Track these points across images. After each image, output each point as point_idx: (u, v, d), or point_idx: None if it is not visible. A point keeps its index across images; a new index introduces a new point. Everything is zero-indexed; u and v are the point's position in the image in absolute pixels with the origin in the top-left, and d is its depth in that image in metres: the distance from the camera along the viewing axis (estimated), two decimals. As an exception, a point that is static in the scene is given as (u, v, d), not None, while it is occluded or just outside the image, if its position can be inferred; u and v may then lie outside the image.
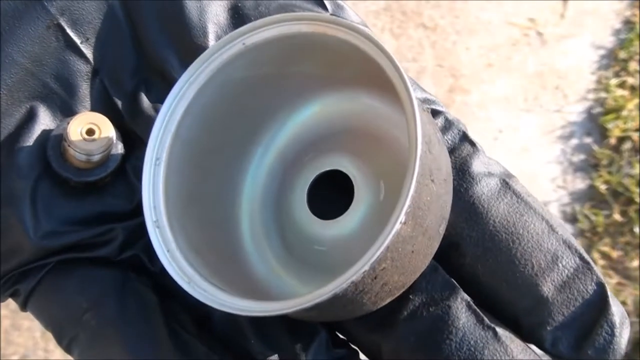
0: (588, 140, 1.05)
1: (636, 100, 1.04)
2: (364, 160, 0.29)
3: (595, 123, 1.06)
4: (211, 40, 0.31)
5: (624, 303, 0.95)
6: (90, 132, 0.29)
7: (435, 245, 0.27)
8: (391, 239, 0.23)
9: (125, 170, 0.30)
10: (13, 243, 0.29)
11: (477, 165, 0.29)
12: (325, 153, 0.30)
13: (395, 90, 0.25)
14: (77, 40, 0.31)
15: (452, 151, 0.29)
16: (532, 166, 1.03)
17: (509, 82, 1.08)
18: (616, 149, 1.03)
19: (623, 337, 0.27)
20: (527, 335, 0.28)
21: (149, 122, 0.29)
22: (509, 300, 0.28)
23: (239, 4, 0.32)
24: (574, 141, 1.05)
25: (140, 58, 0.31)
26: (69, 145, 0.29)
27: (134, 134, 0.30)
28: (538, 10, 1.12)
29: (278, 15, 0.28)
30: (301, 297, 0.24)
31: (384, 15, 1.12)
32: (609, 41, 1.11)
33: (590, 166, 1.03)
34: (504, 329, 0.27)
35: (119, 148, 0.30)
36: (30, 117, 0.30)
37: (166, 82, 0.30)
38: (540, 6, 1.12)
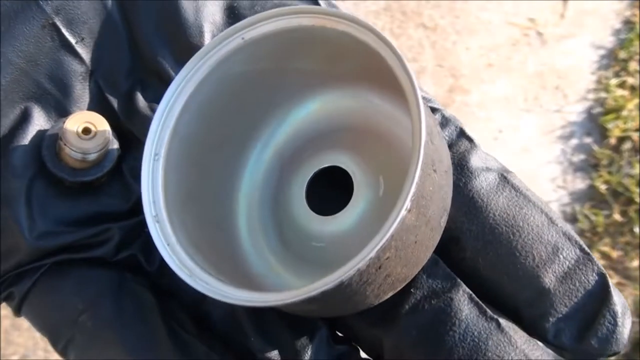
0: (588, 140, 1.05)
1: (636, 100, 1.04)
2: (363, 156, 0.29)
3: (595, 123, 1.06)
4: (207, 40, 0.31)
5: (624, 303, 0.95)
6: (86, 130, 0.29)
7: (437, 238, 0.27)
8: (397, 227, 0.23)
9: (121, 170, 0.30)
10: (10, 244, 0.29)
11: (475, 160, 0.29)
12: (324, 149, 0.30)
13: (397, 80, 0.25)
14: (72, 40, 0.30)
15: (450, 147, 0.30)
16: (532, 166, 1.03)
17: (509, 82, 1.08)
18: (616, 149, 1.03)
19: (626, 327, 0.27)
20: (529, 327, 0.28)
21: (145, 121, 0.29)
22: (511, 292, 0.28)
23: (235, 4, 0.31)
24: (574, 141, 1.05)
25: (136, 58, 0.31)
26: (64, 144, 0.29)
27: (130, 133, 0.30)
28: (538, 10, 1.12)
29: (277, 9, 0.28)
30: (307, 286, 0.23)
31: (384, 15, 1.12)
32: (609, 41, 1.11)
33: (590, 166, 1.03)
34: (506, 320, 0.27)
35: (115, 147, 0.30)
36: (24, 118, 0.30)
37: (162, 82, 0.30)
38: (540, 6, 1.12)
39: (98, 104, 0.30)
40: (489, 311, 0.27)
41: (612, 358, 0.28)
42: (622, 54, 1.08)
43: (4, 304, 0.31)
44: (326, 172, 0.30)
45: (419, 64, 1.09)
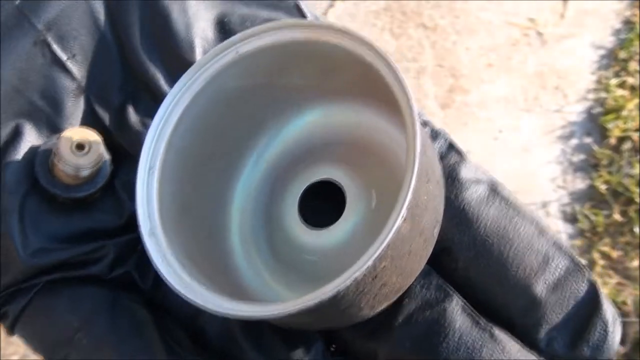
0: (588, 140, 1.05)
1: (636, 100, 1.04)
2: (356, 170, 0.30)
3: (595, 123, 1.06)
4: (198, 55, 0.31)
5: (624, 303, 0.95)
6: (80, 146, 0.29)
7: (430, 249, 0.27)
8: (393, 235, 0.23)
9: (114, 186, 0.30)
10: (4, 261, 0.29)
11: (465, 172, 0.30)
12: (317, 163, 0.30)
13: (392, 92, 0.25)
14: (64, 57, 0.30)
15: (440, 159, 0.30)
16: (532, 166, 1.03)
17: (509, 82, 1.08)
18: (616, 149, 1.03)
19: (616, 335, 0.28)
20: (521, 336, 0.28)
21: (137, 136, 0.29)
22: (503, 302, 0.28)
23: (226, 19, 0.32)
24: (574, 141, 1.05)
25: (127, 73, 0.31)
26: (58, 161, 0.29)
27: (122, 148, 0.30)
28: (538, 10, 1.12)
29: (271, 23, 0.28)
30: (302, 297, 0.23)
31: (384, 15, 1.12)
32: (609, 41, 1.11)
33: (590, 166, 1.03)
34: (500, 329, 0.27)
35: (108, 163, 0.30)
36: (16, 135, 0.30)
37: (153, 97, 0.30)
38: (540, 6, 1.12)
39: (90, 120, 0.31)
40: (482, 321, 0.27)
41: (621, 327, 0.28)
42: (622, 54, 1.08)
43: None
44: (319, 185, 0.30)
45: (419, 64, 1.09)
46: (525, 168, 1.02)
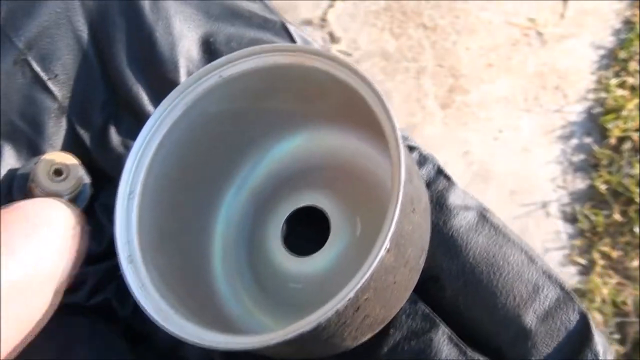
0: (588, 140, 1.05)
1: (636, 100, 1.04)
2: (340, 196, 0.29)
3: (595, 123, 1.05)
4: (182, 75, 0.30)
5: (624, 303, 0.95)
6: (58, 172, 0.28)
7: (416, 278, 0.26)
8: (376, 267, 0.22)
9: (94, 210, 0.29)
10: None
11: (454, 199, 0.29)
12: (301, 189, 0.30)
13: (376, 119, 0.25)
14: (45, 77, 0.30)
15: (428, 185, 0.29)
16: (532, 166, 1.03)
17: (509, 82, 1.08)
18: (616, 149, 1.03)
19: None
20: None
21: (118, 159, 0.29)
22: (492, 332, 0.27)
23: (211, 39, 0.31)
24: (574, 141, 1.05)
25: (110, 92, 0.30)
26: (35, 187, 0.28)
27: (102, 171, 0.30)
28: (538, 10, 1.12)
29: (255, 47, 0.27)
30: (284, 328, 0.23)
31: (384, 15, 1.12)
32: (609, 41, 1.10)
33: (590, 166, 1.03)
34: None
35: (88, 187, 0.29)
36: None
37: (136, 117, 0.30)
38: (540, 6, 1.12)
39: (71, 141, 0.30)
40: (468, 351, 0.27)
41: (612, 358, 0.28)
42: (622, 54, 1.08)
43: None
44: (303, 211, 0.30)
45: (419, 64, 1.09)
46: (525, 168, 1.02)
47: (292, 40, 0.31)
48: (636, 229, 0.98)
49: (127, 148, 0.28)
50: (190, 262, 0.29)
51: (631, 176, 1.00)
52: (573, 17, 1.12)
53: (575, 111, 1.06)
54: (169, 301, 0.26)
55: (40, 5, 0.30)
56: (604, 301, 0.95)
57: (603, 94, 1.06)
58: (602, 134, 1.04)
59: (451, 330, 0.27)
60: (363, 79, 0.26)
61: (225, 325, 0.28)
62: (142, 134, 0.28)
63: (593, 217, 0.99)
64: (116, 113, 0.30)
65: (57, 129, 0.30)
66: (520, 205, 1.01)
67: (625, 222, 0.99)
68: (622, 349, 0.92)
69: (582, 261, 0.98)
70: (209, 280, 0.29)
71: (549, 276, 0.28)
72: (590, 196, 1.02)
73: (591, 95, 1.07)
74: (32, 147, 0.30)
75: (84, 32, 0.31)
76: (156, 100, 0.29)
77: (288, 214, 0.30)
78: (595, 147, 1.03)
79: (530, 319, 0.27)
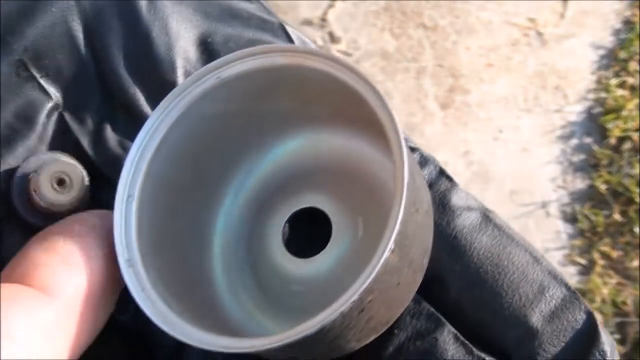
0: (588, 140, 1.05)
1: (636, 100, 1.04)
2: (341, 197, 0.29)
3: (595, 123, 1.06)
4: (180, 76, 0.30)
5: (624, 303, 0.95)
6: (61, 182, 0.28)
7: (419, 279, 0.26)
8: (380, 268, 0.22)
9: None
10: None
11: (457, 199, 0.29)
12: (301, 190, 0.30)
13: (378, 120, 0.25)
14: (39, 76, 0.30)
15: (430, 186, 0.29)
16: (532, 166, 1.03)
17: (509, 82, 1.08)
18: (616, 149, 1.03)
19: None
20: None
21: (116, 159, 0.28)
22: (498, 332, 0.27)
23: (209, 40, 0.31)
24: (574, 141, 1.05)
25: (106, 93, 0.30)
26: (38, 196, 0.28)
27: (99, 171, 0.29)
28: (538, 10, 1.12)
29: (253, 48, 0.27)
30: (287, 331, 0.23)
31: (384, 15, 1.12)
32: (609, 41, 1.11)
33: (590, 166, 1.03)
34: None
35: (88, 190, 0.28)
36: None
37: (133, 118, 0.29)
38: (540, 6, 1.12)
39: (66, 141, 0.29)
40: (475, 351, 0.27)
41: (618, 358, 0.28)
42: (622, 54, 1.08)
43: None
44: (304, 213, 0.29)
45: (419, 64, 1.09)
46: (525, 168, 1.02)
47: (290, 41, 0.31)
48: (636, 229, 0.98)
49: (124, 149, 0.28)
50: (191, 265, 0.29)
51: (631, 176, 1.01)
52: (573, 17, 1.12)
53: (575, 111, 1.06)
54: (170, 304, 0.25)
55: (35, 5, 0.30)
56: (604, 301, 0.95)
57: (603, 94, 1.06)
58: (602, 134, 1.04)
59: (456, 331, 0.27)
60: (363, 79, 0.25)
61: (226, 328, 0.28)
62: (139, 136, 0.27)
63: (593, 217, 1.00)
64: (112, 113, 0.30)
65: (51, 129, 0.29)
66: (520, 205, 1.01)
67: (625, 222, 0.99)
68: (622, 349, 0.92)
69: (582, 261, 0.98)
70: (210, 282, 0.29)
71: (555, 276, 0.28)
72: (590, 196, 1.02)
73: (591, 95, 1.07)
74: (27, 146, 0.29)
75: (80, 32, 0.31)
76: (153, 101, 0.28)
77: (289, 216, 0.29)
78: (595, 147, 1.04)
79: (536, 319, 0.27)
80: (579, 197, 1.02)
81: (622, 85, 1.06)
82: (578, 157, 1.04)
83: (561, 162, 1.03)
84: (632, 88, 1.06)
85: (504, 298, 0.27)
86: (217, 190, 0.30)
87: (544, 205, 1.01)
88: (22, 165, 0.29)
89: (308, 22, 1.11)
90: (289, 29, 0.31)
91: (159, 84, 0.30)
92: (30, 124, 0.29)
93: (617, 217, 0.99)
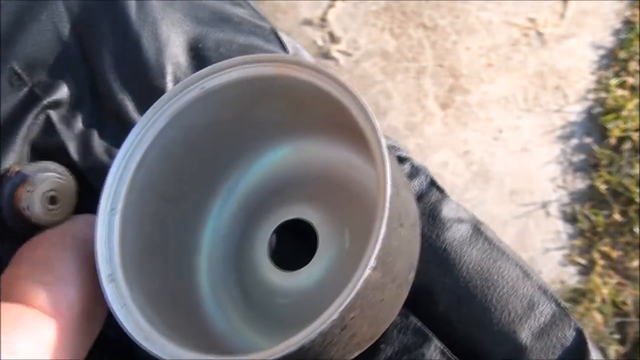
0: (588, 140, 1.05)
1: (636, 100, 1.04)
2: (328, 208, 0.29)
3: (595, 123, 1.05)
4: (169, 82, 0.30)
5: (624, 303, 0.95)
6: (53, 200, 0.28)
7: (405, 295, 0.26)
8: (361, 286, 0.22)
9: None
10: None
11: (447, 211, 0.28)
12: (287, 201, 0.29)
13: (361, 131, 0.24)
14: (29, 82, 0.29)
15: (420, 197, 0.29)
16: (532, 166, 1.03)
17: (509, 82, 1.08)
18: (616, 149, 1.03)
19: None
20: None
21: (102, 167, 0.28)
22: (486, 348, 0.27)
23: (200, 45, 0.31)
24: (574, 141, 1.05)
25: (95, 99, 0.30)
26: (31, 216, 0.27)
27: (85, 180, 0.29)
28: (538, 10, 1.12)
29: (238, 58, 0.27)
30: (267, 350, 0.22)
31: (384, 15, 1.12)
32: (609, 41, 1.10)
33: (590, 166, 1.03)
34: None
35: (75, 198, 0.28)
36: None
37: (121, 124, 0.29)
38: (540, 6, 1.12)
39: (54, 147, 0.29)
40: None
41: (612, 358, 0.27)
42: (622, 54, 1.08)
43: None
44: (291, 223, 0.29)
45: (419, 64, 1.09)
46: (525, 168, 1.02)
47: (283, 46, 0.31)
48: (636, 229, 0.98)
49: (111, 156, 0.28)
50: (175, 278, 0.28)
51: (631, 176, 1.00)
52: (573, 17, 1.12)
53: (575, 111, 1.06)
54: (151, 320, 0.25)
55: (26, 12, 0.30)
56: (604, 301, 0.95)
57: (603, 94, 1.06)
58: (602, 134, 1.04)
59: (444, 345, 0.27)
60: (347, 90, 0.25)
61: (210, 341, 0.27)
62: (124, 146, 0.27)
63: (593, 217, 0.99)
64: (101, 119, 0.30)
65: (41, 136, 0.29)
66: (520, 205, 1.01)
67: (625, 222, 0.99)
68: (622, 349, 0.92)
69: (582, 261, 0.98)
70: (194, 295, 0.28)
71: (544, 292, 0.28)
72: (590, 196, 1.02)
73: (591, 95, 1.07)
74: (16, 152, 0.29)
75: (70, 39, 0.30)
76: (142, 107, 0.28)
77: (275, 227, 0.29)
78: (595, 147, 1.03)
79: (525, 335, 0.27)
80: (579, 197, 1.02)
81: (622, 85, 1.06)
82: (578, 157, 1.04)
83: (561, 162, 1.03)
84: (632, 88, 1.05)
85: (493, 313, 0.27)
86: (203, 202, 0.29)
87: (544, 205, 1.01)
88: (13, 178, 0.28)
89: (308, 22, 1.11)
90: (281, 34, 0.31)
91: (149, 89, 0.29)
92: (21, 131, 0.29)
93: (617, 217, 0.99)
